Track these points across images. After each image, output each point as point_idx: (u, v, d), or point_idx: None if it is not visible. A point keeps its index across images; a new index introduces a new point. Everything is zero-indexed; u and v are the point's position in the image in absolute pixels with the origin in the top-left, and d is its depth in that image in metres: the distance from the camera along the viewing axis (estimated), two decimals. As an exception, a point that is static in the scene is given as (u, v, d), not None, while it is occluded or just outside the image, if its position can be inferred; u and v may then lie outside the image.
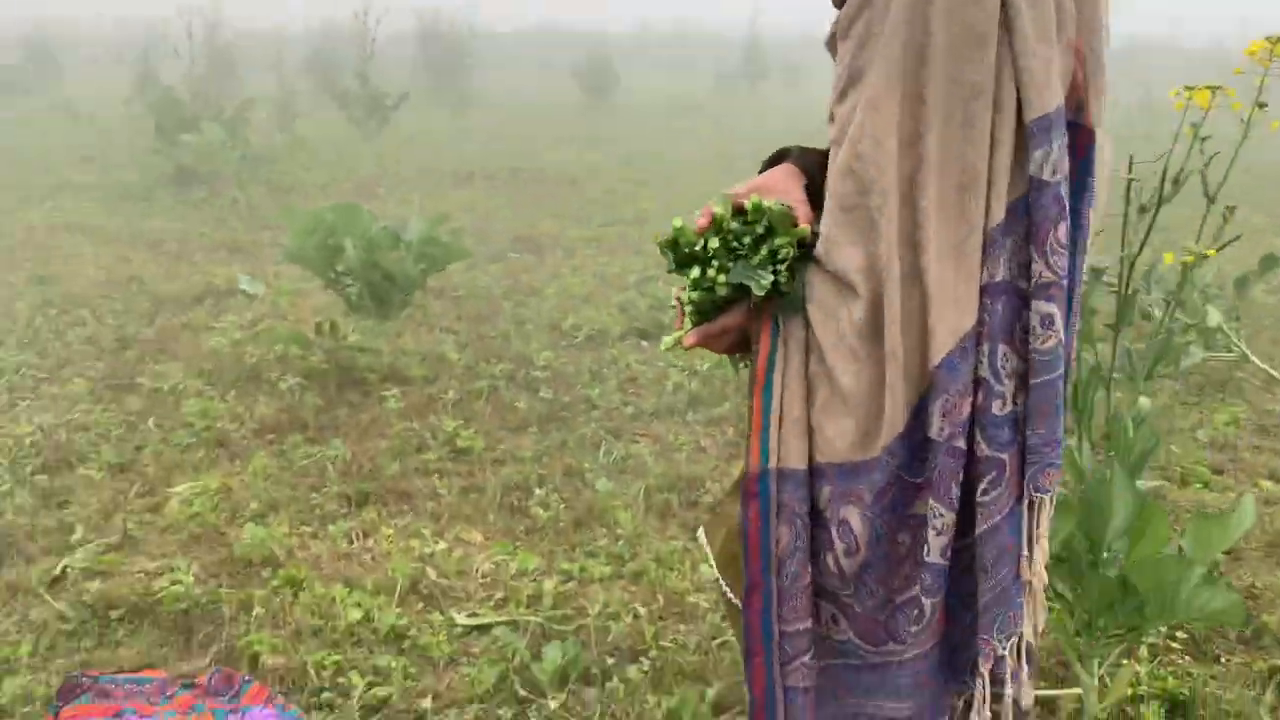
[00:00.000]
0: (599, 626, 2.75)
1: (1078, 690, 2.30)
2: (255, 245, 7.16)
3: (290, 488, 3.52)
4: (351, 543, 3.21)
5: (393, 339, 4.99)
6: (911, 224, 1.30)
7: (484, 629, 2.76)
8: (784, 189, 1.44)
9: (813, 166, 1.46)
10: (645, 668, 2.56)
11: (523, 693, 2.48)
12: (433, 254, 4.59)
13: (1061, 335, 1.31)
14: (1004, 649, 1.36)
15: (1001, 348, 1.32)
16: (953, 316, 1.30)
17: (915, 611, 1.37)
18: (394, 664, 2.57)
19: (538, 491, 3.52)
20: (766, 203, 1.40)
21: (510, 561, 3.09)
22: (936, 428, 1.32)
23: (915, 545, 1.37)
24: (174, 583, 2.89)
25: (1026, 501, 1.35)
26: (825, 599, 1.44)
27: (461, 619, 2.80)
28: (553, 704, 2.43)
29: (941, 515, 1.33)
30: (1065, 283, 1.30)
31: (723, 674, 2.53)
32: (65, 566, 3.01)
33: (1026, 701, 1.41)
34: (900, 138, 1.30)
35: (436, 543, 3.20)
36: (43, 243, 7.04)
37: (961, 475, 1.33)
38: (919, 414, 1.34)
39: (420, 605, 2.87)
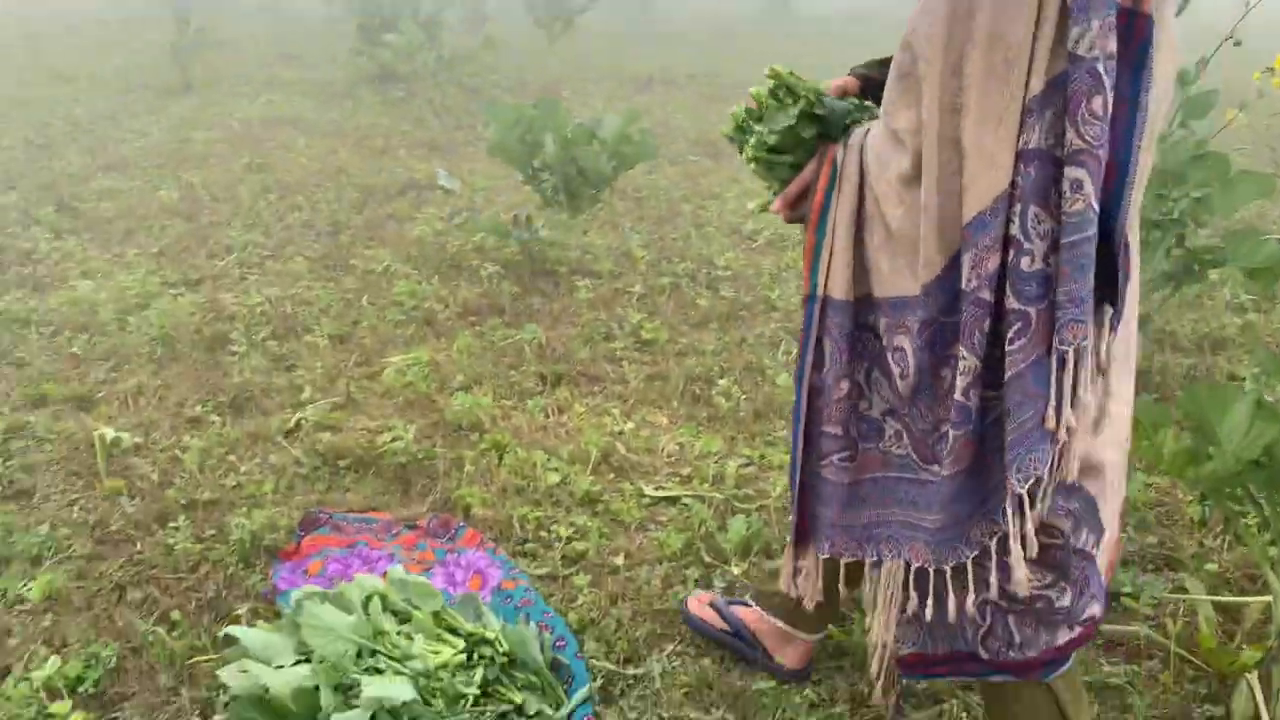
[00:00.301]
0: (779, 507, 2.90)
1: (1267, 598, 2.31)
2: (451, 143, 7.47)
3: (491, 364, 3.78)
4: (548, 417, 3.45)
5: (581, 234, 5.19)
6: (956, 92, 1.43)
7: (671, 500, 2.96)
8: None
9: (875, 68, 1.72)
10: (824, 546, 2.70)
11: (708, 559, 2.66)
12: (624, 152, 4.72)
13: (1092, 200, 1.38)
14: (1021, 488, 1.46)
15: (1033, 209, 1.41)
16: (987, 178, 1.42)
17: (955, 434, 1.50)
18: (589, 524, 2.80)
19: (720, 383, 3.67)
20: (778, 67, 1.70)
21: (694, 443, 3.26)
22: (966, 279, 1.45)
23: (954, 382, 1.50)
24: (394, 439, 3.19)
25: (1056, 356, 1.43)
26: (892, 418, 1.63)
27: (650, 490, 3.00)
28: (735, 570, 2.61)
29: (965, 358, 1.46)
30: (1099, 152, 1.37)
31: (899, 558, 2.64)
32: (299, 420, 3.35)
33: (1025, 549, 1.49)
34: (952, 13, 1.41)
35: (625, 422, 3.40)
36: (259, 135, 7.54)
37: (987, 325, 1.45)
38: (954, 264, 1.47)
39: (611, 475, 3.08)
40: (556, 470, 3.06)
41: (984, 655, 1.63)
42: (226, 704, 2.07)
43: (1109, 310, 1.47)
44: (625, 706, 2.13)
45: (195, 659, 2.24)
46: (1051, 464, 1.46)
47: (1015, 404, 1.44)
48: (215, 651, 2.25)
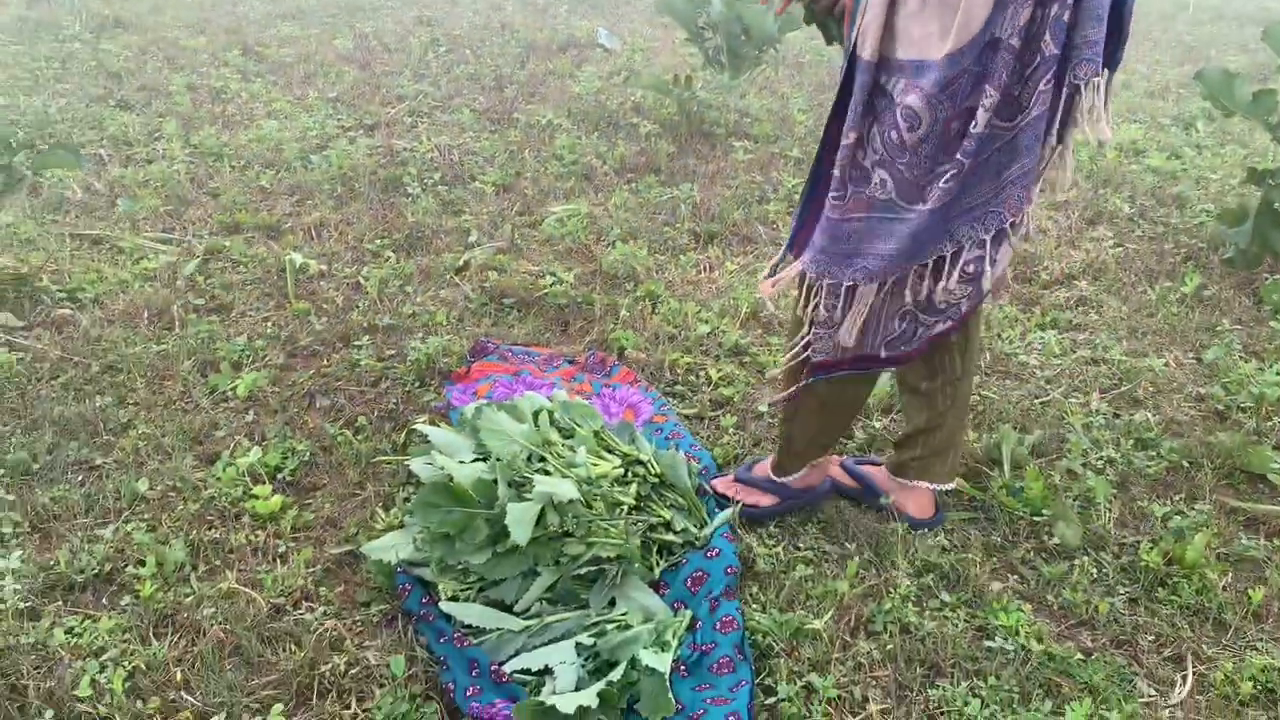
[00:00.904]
0: (924, 370, 2.95)
1: None
2: (612, 3, 7.45)
3: (647, 220, 3.89)
4: (699, 272, 3.55)
5: (739, 97, 5.18)
6: None
7: (818, 357, 3.04)
8: None
9: None
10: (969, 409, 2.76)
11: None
12: (789, 11, 4.66)
13: None
14: (1009, 219, 1.84)
15: None
16: None
17: (952, 173, 1.78)
18: (737, 372, 2.92)
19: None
20: None
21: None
22: (1004, 29, 1.69)
23: (964, 128, 1.77)
24: (554, 283, 3.35)
25: (1068, 89, 1.73)
26: (882, 168, 1.85)
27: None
28: (877, 424, 2.70)
29: (991, 96, 1.71)
30: None
31: (1046, 425, 2.68)
32: (467, 260, 3.55)
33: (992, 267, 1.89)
34: None
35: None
36: (426, -13, 7.68)
37: (1014, 66, 1.72)
38: (990, 23, 1.70)
39: (759, 330, 3.18)
40: (706, 322, 3.17)
41: (883, 355, 2.02)
42: (410, 495, 2.30)
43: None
44: (764, 534, 2.27)
45: (378, 459, 2.49)
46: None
47: (1028, 145, 1.77)
48: (396, 455, 2.49)
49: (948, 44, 1.72)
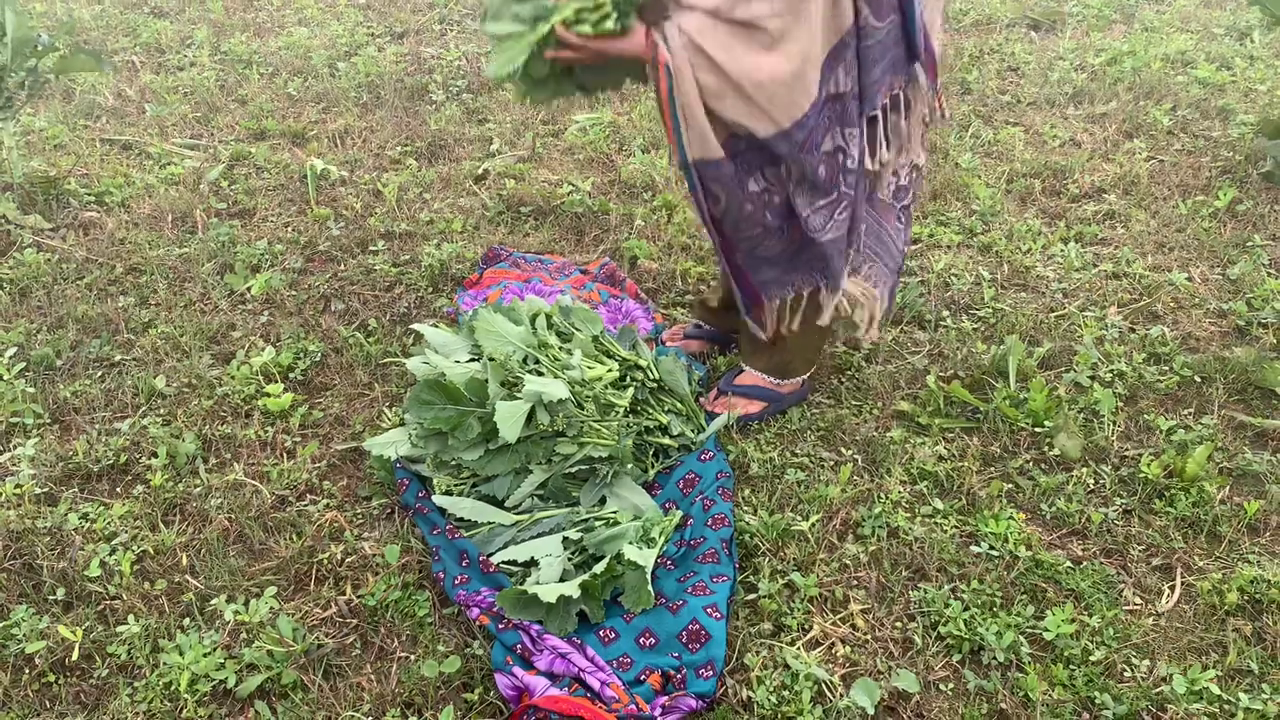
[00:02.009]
0: (939, 282, 2.92)
1: None
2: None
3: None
4: (721, 182, 3.52)
5: None
6: None
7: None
8: None
9: None
10: (978, 321, 2.73)
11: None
12: None
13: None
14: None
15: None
16: (842, 18, 1.91)
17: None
18: (750, 282, 2.90)
19: (899, 160, 3.62)
20: None
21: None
22: (840, 84, 1.97)
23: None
24: (572, 192, 3.35)
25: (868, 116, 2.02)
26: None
27: (813, 257, 3.06)
28: (886, 335, 2.68)
29: (851, 131, 2.00)
30: None
31: (1057, 338, 2.65)
32: (486, 169, 3.55)
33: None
34: None
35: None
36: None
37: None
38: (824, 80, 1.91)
39: (777, 241, 3.15)
40: (724, 231, 3.15)
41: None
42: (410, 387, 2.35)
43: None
44: (762, 441, 2.29)
45: (388, 360, 2.53)
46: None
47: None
48: (405, 356, 2.53)
49: (807, 103, 1.90)
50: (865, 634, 1.84)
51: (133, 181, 3.36)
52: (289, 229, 3.16)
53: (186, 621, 1.84)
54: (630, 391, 2.16)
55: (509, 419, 1.86)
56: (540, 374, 2.03)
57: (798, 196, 2.01)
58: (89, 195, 3.26)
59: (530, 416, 1.94)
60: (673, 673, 1.68)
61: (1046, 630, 1.82)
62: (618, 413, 2.09)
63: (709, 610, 1.76)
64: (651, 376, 2.25)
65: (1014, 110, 4.09)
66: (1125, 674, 1.77)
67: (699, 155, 1.94)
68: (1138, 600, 1.92)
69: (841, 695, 1.72)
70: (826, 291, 2.18)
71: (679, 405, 2.26)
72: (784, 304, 2.22)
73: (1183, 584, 1.95)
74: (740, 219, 2.04)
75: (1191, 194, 3.39)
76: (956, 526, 2.07)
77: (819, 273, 2.15)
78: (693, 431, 2.23)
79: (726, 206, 2.01)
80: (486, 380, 1.94)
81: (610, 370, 2.14)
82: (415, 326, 2.20)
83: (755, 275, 2.16)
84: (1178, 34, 4.86)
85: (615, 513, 1.96)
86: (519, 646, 1.71)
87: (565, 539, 1.89)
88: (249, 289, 2.80)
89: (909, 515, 2.09)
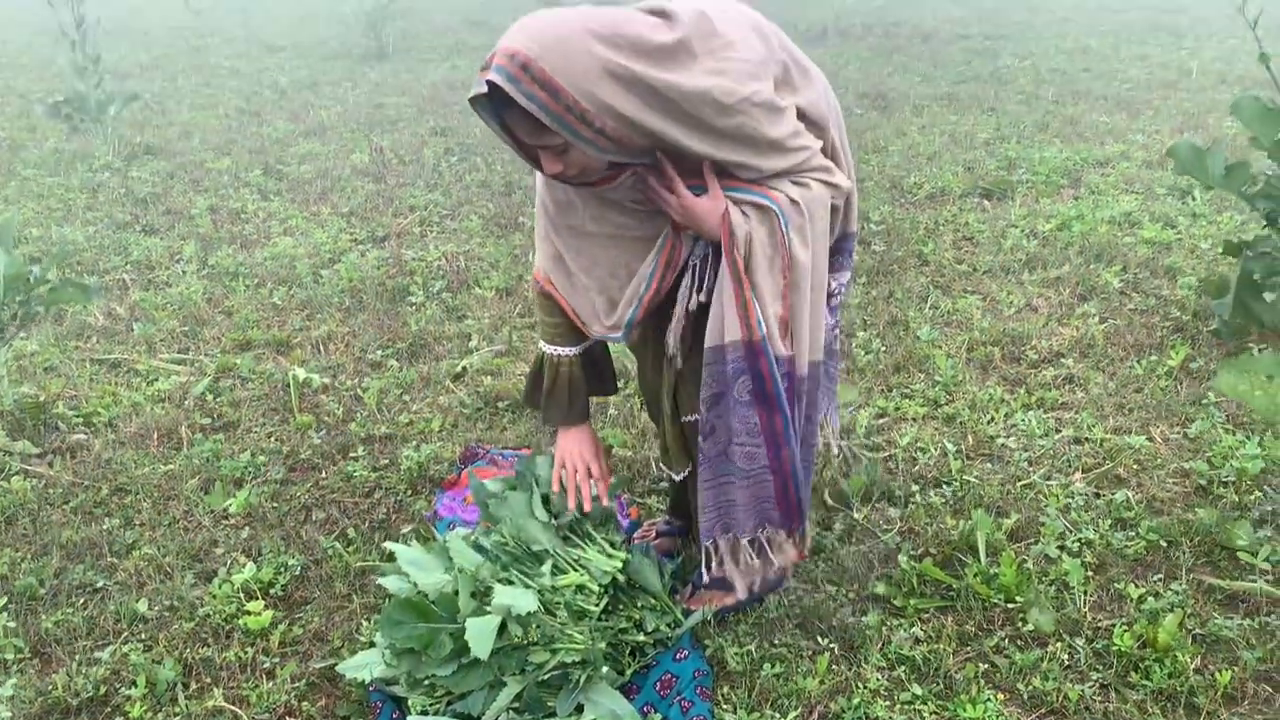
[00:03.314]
0: (907, 457, 2.99)
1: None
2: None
3: (642, 317, 3.99)
4: (692, 367, 3.63)
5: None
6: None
7: (802, 448, 3.09)
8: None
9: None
10: (947, 495, 2.79)
11: (830, 503, 2.79)
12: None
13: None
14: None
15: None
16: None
17: None
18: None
19: (860, 335, 3.75)
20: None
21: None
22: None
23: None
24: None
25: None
26: None
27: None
28: (857, 515, 2.73)
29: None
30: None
31: (1024, 508, 2.70)
32: (465, 366, 3.66)
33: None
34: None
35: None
36: (445, 98, 7.99)
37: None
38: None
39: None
40: (695, 416, 3.23)
41: None
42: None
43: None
44: (740, 633, 2.31)
45: (367, 571, 2.57)
46: None
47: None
48: (385, 561, 2.57)
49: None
50: (848, 835, 1.82)
51: (120, 400, 3.46)
52: (272, 439, 3.24)
53: None
54: (600, 593, 2.19)
55: (479, 636, 1.89)
56: (511, 582, 2.06)
57: None
58: (77, 417, 3.35)
59: (501, 628, 1.96)
60: None
61: (1030, 821, 1.80)
62: (590, 616, 2.12)
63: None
64: (623, 571, 2.28)
65: (971, 279, 4.25)
66: None
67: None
68: (1121, 781, 1.91)
69: None
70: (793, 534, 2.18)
71: (653, 601, 2.28)
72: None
73: (1165, 761, 1.95)
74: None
75: (1146, 353, 3.51)
76: (935, 712, 2.07)
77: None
78: (668, 626, 2.24)
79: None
80: (457, 593, 1.98)
81: (581, 576, 2.17)
82: (388, 545, 2.24)
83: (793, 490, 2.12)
84: (1123, 195, 5.10)
85: (592, 720, 1.97)
86: None
87: (542, 752, 1.88)
88: (230, 506, 2.85)
89: (888, 704, 2.09)
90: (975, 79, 8.14)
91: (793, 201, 1.91)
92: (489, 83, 1.67)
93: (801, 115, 1.92)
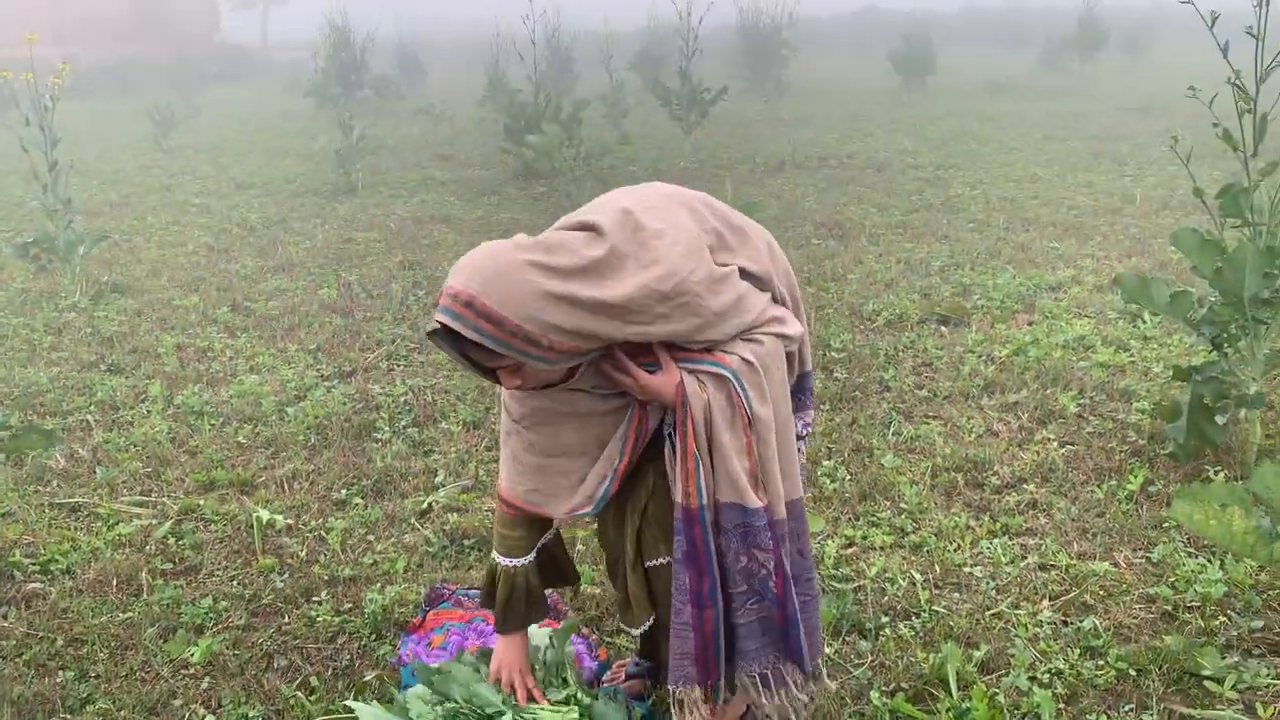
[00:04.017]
0: (875, 588, 2.99)
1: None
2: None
3: (609, 449, 4.00)
4: (659, 499, 3.63)
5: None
6: None
7: (771, 580, 3.08)
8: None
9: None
10: (916, 627, 2.78)
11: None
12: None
13: None
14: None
15: None
16: None
17: None
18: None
19: (825, 463, 3.78)
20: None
21: (799, 525, 3.38)
22: None
23: None
24: (514, 521, 3.43)
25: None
26: None
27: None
28: (828, 650, 2.71)
29: None
30: None
31: (994, 639, 2.69)
32: (431, 503, 3.65)
33: None
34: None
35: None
36: (412, 232, 8.13)
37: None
38: None
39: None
40: (663, 550, 3.22)
41: None
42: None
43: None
44: (712, 777, 2.26)
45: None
46: None
47: None
48: (346, 715, 2.51)
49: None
50: None
51: (79, 546, 3.40)
52: (234, 582, 3.18)
53: None
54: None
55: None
56: (478, 734, 2.02)
57: None
58: (34, 565, 3.28)
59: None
60: None
61: None
62: (559, 766, 2.07)
63: None
64: None
65: (931, 404, 4.33)
66: None
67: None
68: None
69: None
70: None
71: (623, 747, 2.24)
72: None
73: None
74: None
75: (1106, 477, 3.56)
76: None
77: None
78: (639, 774, 2.20)
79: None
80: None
81: (549, 721, 2.14)
82: (350, 704, 2.20)
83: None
84: (1076, 320, 5.25)
85: None
86: None
87: None
88: (189, 655, 2.79)
89: None
90: (928, 207, 8.41)
91: (746, 361, 1.99)
92: (434, 332, 1.86)
93: (745, 274, 2.02)
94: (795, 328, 2.08)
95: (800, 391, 2.22)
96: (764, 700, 2.12)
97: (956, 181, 9.50)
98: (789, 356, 2.09)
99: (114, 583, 3.19)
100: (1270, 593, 2.84)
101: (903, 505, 3.45)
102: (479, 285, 1.81)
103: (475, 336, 1.81)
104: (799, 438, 2.23)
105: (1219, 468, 3.52)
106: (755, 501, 2.01)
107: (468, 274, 1.83)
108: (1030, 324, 5.24)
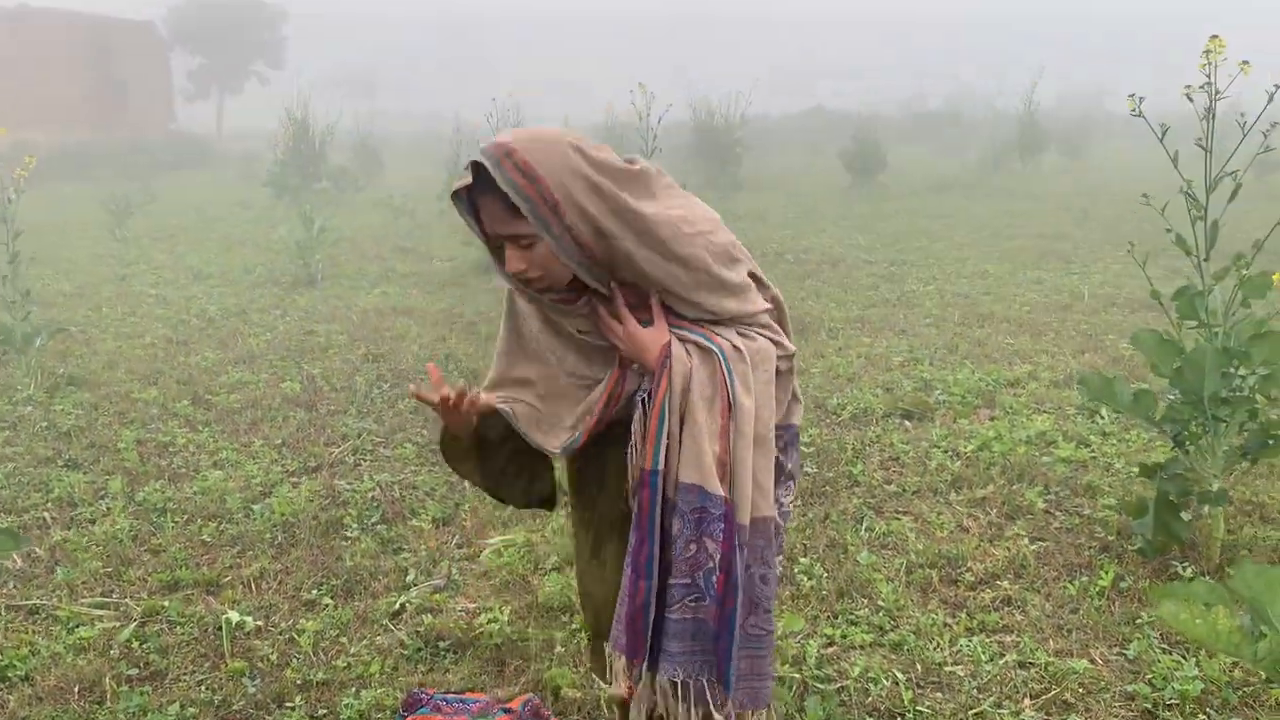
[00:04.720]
0: (859, 689, 2.98)
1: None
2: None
3: (583, 546, 3.98)
4: (636, 597, 3.61)
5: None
6: None
7: (753, 681, 3.06)
8: None
9: None
10: (902, 728, 2.77)
11: (788, 740, 2.75)
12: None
13: None
14: None
15: None
16: None
17: None
18: (674, 705, 2.91)
19: (802, 560, 3.79)
20: None
21: (777, 623, 3.37)
22: None
23: None
24: (490, 621, 3.39)
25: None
26: None
27: (733, 671, 3.11)
28: (815, 752, 2.69)
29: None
30: None
31: (977, 740, 2.69)
32: (403, 603, 3.59)
33: None
34: None
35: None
36: (375, 324, 8.13)
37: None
38: None
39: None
40: (643, 651, 3.19)
41: None
42: None
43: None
44: None
45: (306, 836, 2.42)
46: None
47: None
48: (324, 828, 2.43)
49: None
50: None
51: (39, 651, 3.29)
52: (203, 687, 3.09)
53: None
54: None
55: None
56: None
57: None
58: (-10, 671, 3.16)
59: None
60: None
61: None
62: None
63: None
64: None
65: (901, 500, 4.37)
66: None
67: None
68: None
69: None
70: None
71: None
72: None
73: None
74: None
75: (1078, 574, 3.61)
76: None
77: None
78: None
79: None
80: None
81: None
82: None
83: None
84: (1036, 415, 5.36)
85: None
86: None
87: None
88: (159, 766, 2.69)
89: None
90: (885, 302, 8.60)
91: (736, 348, 2.03)
92: (474, 164, 1.90)
93: (753, 277, 2.12)
94: (789, 345, 2.14)
95: (787, 447, 2.22)
96: (678, 713, 2.05)
97: (910, 277, 9.73)
98: (781, 377, 2.12)
99: (76, 690, 3.08)
100: (1246, 689, 2.87)
101: (880, 603, 3.46)
102: (523, 144, 1.88)
103: (507, 187, 1.86)
104: (781, 513, 2.21)
105: (1186, 563, 3.59)
106: (717, 488, 1.98)
107: (514, 134, 1.92)
108: (992, 419, 5.34)
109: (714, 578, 2.00)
